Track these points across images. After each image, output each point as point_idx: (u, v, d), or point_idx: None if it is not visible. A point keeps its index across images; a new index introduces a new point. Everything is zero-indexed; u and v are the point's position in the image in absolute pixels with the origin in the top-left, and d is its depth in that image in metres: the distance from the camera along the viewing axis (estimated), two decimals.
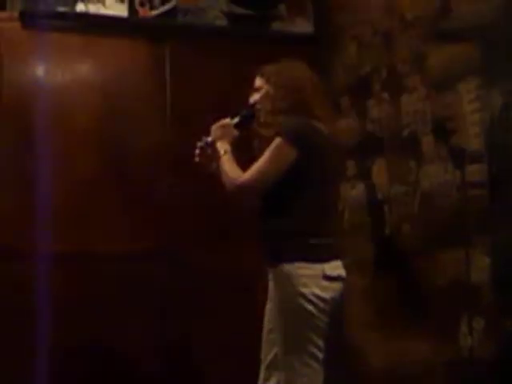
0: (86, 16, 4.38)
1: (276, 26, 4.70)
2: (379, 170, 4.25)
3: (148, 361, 4.23)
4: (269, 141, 2.99)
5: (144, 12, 4.51)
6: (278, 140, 2.92)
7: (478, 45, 3.59)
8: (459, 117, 3.66)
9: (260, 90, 3.17)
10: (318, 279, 2.87)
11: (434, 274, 3.83)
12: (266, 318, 3.12)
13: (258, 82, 3.20)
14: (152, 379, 4.23)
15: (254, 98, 3.18)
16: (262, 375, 3.09)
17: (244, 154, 3.11)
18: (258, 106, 3.15)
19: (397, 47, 4.12)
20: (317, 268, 2.87)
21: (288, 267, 2.87)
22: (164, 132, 4.41)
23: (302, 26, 4.70)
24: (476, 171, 3.56)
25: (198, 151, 3.19)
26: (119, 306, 4.19)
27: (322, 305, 2.87)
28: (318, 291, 2.86)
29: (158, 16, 4.54)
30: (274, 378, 3.01)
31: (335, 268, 2.96)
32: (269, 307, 3.09)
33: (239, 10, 4.63)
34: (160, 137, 4.40)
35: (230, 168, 3.03)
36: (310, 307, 2.84)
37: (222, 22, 4.60)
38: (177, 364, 4.28)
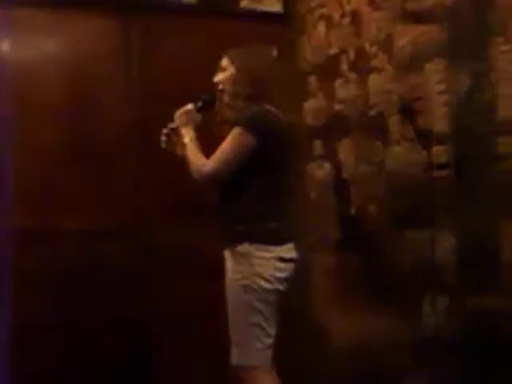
0: None
1: (245, 4, 4.70)
2: (346, 150, 4.27)
3: (109, 338, 4.24)
4: (228, 122, 3.11)
5: None
6: (237, 129, 3.01)
7: (446, 26, 3.61)
8: (426, 98, 3.68)
9: (225, 70, 3.22)
10: (275, 261, 3.01)
11: (398, 254, 3.87)
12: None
13: (224, 62, 3.27)
14: (113, 357, 4.24)
15: (219, 77, 3.24)
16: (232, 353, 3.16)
17: (209, 135, 3.16)
18: (220, 86, 3.22)
19: (365, 28, 4.13)
20: (274, 250, 3.01)
21: (247, 248, 3.00)
22: (131, 109, 4.40)
23: (272, 5, 4.70)
24: (442, 152, 3.59)
25: (163, 137, 3.27)
26: (81, 283, 4.19)
27: (277, 284, 3.02)
28: (274, 272, 3.00)
29: None
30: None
31: (289, 251, 3.09)
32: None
33: None
34: (127, 114, 4.39)
35: (194, 156, 3.12)
36: (267, 285, 2.98)
37: None
38: (138, 342, 4.29)
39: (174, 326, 4.33)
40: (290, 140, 3.17)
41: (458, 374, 3.56)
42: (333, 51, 4.38)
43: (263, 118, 3.04)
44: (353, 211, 4.21)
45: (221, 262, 4.30)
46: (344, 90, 4.29)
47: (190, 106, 3.28)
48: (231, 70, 3.20)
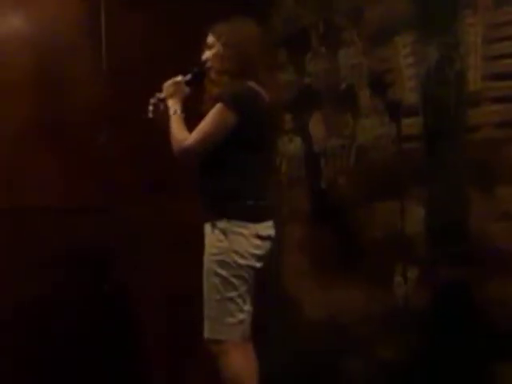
0: None
1: None
2: (316, 124, 4.29)
3: (85, 314, 4.23)
4: (212, 99, 3.07)
5: None
6: (218, 105, 2.99)
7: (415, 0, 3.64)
8: (395, 70, 3.71)
9: (211, 47, 3.19)
10: (252, 238, 3.01)
11: (369, 226, 3.92)
12: None
13: (210, 39, 3.21)
14: (89, 332, 4.23)
15: (206, 55, 3.22)
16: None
17: (195, 110, 3.13)
18: (208, 64, 3.19)
19: (334, 1, 4.14)
20: (251, 228, 3.01)
21: (225, 224, 3.00)
22: (100, 86, 4.35)
23: None
24: (412, 124, 3.63)
25: (150, 107, 3.23)
26: (54, 260, 4.17)
27: (252, 261, 3.02)
28: (250, 249, 3.01)
29: None
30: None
31: (267, 228, 3.09)
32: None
33: None
34: (96, 90, 4.34)
35: (176, 130, 3.10)
36: (242, 261, 2.99)
37: None
38: (113, 316, 4.29)
39: (145, 300, 4.34)
40: (271, 118, 3.14)
41: (427, 343, 3.62)
42: (302, 24, 4.38)
43: (245, 95, 3.02)
44: (323, 184, 4.24)
45: (197, 233, 4.36)
46: (314, 63, 4.30)
47: (179, 78, 3.22)
48: (218, 47, 3.15)
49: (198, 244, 4.32)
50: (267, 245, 3.10)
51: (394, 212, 3.71)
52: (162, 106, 3.20)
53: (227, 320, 2.99)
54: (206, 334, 3.05)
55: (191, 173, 4.25)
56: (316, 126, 4.29)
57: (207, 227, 3.09)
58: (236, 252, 2.99)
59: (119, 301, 4.30)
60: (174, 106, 3.16)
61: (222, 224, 3.00)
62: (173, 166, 4.30)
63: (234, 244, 2.99)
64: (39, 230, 4.16)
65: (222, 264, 2.99)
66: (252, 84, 3.06)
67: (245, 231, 3.00)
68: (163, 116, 3.19)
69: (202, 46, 3.23)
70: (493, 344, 3.34)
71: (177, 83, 3.20)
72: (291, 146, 4.47)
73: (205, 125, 3.02)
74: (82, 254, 4.23)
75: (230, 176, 3.04)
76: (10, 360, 4.05)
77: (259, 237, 3.04)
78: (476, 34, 3.33)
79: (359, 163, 4.01)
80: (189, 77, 3.22)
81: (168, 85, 3.21)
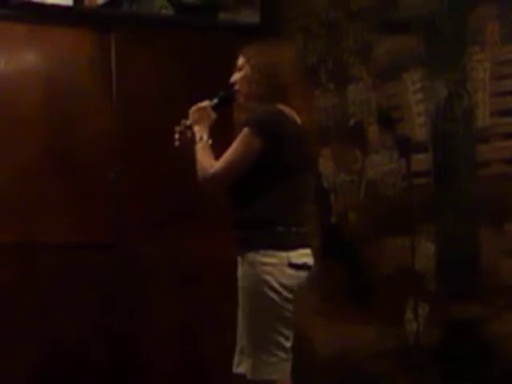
0: (30, 4, 4.32)
1: (223, 16, 4.69)
2: (325, 159, 4.29)
3: (93, 352, 4.22)
4: (238, 125, 2.93)
5: (89, 1, 4.47)
6: (244, 130, 2.85)
7: (423, 36, 3.66)
8: (404, 107, 3.72)
9: (241, 69, 3.05)
10: (283, 267, 2.81)
11: (379, 262, 3.90)
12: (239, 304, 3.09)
13: (240, 61, 3.06)
14: (98, 366, 4.22)
15: (234, 77, 3.06)
16: (235, 360, 3.00)
17: (223, 137, 2.97)
18: (236, 87, 3.05)
19: (343, 38, 4.17)
20: (282, 256, 2.82)
21: (253, 255, 2.82)
22: (110, 122, 4.38)
23: (249, 16, 4.70)
24: (421, 160, 3.63)
25: (177, 135, 3.11)
26: (63, 296, 4.16)
27: (286, 293, 2.82)
28: (283, 279, 2.81)
29: (104, 5, 4.50)
30: (243, 364, 2.98)
31: (301, 256, 2.89)
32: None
33: (186, 0, 4.62)
34: (106, 126, 4.37)
35: (202, 157, 2.94)
36: (274, 296, 2.80)
37: (169, 11, 4.58)
38: (124, 355, 4.27)
39: (152, 337, 4.32)
40: (303, 141, 2.95)
41: (439, 380, 3.59)
42: (310, 62, 4.40)
43: (271, 120, 2.87)
44: (333, 219, 4.24)
45: (205, 269, 4.36)
46: (322, 99, 4.31)
47: (205, 103, 3.05)
48: (246, 69, 3.01)
49: (207, 281, 4.35)
50: (302, 274, 2.89)
51: (404, 248, 3.70)
52: (188, 134, 3.09)
53: (269, 359, 2.81)
54: (248, 374, 2.86)
55: (201, 209, 4.29)
56: (325, 161, 4.29)
57: (239, 259, 2.91)
58: (267, 284, 2.79)
59: (127, 337, 4.28)
60: (199, 133, 2.99)
61: (251, 256, 2.83)
62: (182, 202, 4.34)
63: (263, 275, 2.79)
64: (47, 265, 4.17)
65: (256, 301, 2.81)
66: (282, 108, 2.92)
67: (274, 260, 2.81)
68: (190, 144, 3.03)
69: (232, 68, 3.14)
70: (505, 381, 3.31)
71: (203, 108, 3.04)
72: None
73: (230, 151, 2.87)
74: (90, 290, 4.23)
75: (258, 204, 2.87)
76: None
77: (292, 265, 2.84)
78: (484, 70, 3.34)
79: (369, 199, 4.01)
80: (215, 101, 3.05)
81: (194, 110, 3.05)
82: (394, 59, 3.81)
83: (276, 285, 2.80)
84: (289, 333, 2.87)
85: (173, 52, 4.51)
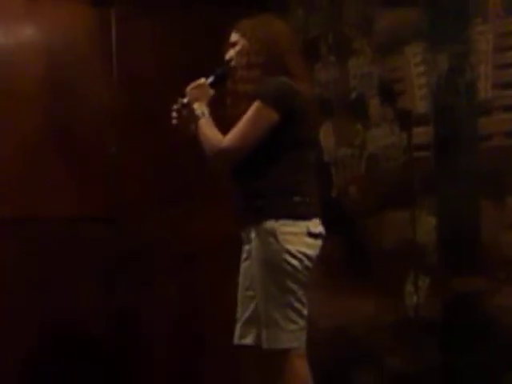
0: None
1: None
2: (326, 133, 4.28)
3: (95, 324, 4.23)
4: (245, 97, 2.93)
5: None
6: (257, 103, 2.85)
7: (425, 8, 3.64)
8: (406, 80, 3.71)
9: (235, 45, 3.07)
10: (303, 236, 2.86)
11: (380, 235, 3.91)
12: (243, 276, 3.07)
13: (234, 37, 3.09)
14: (99, 342, 4.23)
15: (230, 53, 3.08)
16: (237, 332, 3.04)
17: (217, 112, 3.02)
18: (232, 63, 3.06)
19: (344, 11, 4.15)
20: (301, 225, 2.86)
21: (273, 224, 2.84)
22: (111, 95, 4.37)
23: None
24: (422, 133, 3.62)
25: (174, 114, 3.10)
26: (64, 270, 4.17)
27: (306, 261, 2.87)
28: (303, 248, 2.86)
29: None
30: (251, 335, 2.98)
31: (317, 225, 2.95)
32: (246, 265, 3.04)
33: None
34: (107, 100, 4.36)
35: (209, 132, 2.95)
36: (296, 262, 2.83)
37: None
38: (124, 329, 4.28)
39: (153, 312, 4.34)
40: (310, 112, 2.98)
41: (439, 353, 3.60)
42: (312, 35, 4.39)
43: (284, 91, 2.87)
44: (334, 193, 4.24)
45: (205, 245, 4.35)
46: (324, 73, 4.30)
47: (202, 80, 3.07)
48: (242, 43, 3.02)
49: (208, 257, 4.35)
50: (319, 243, 2.95)
51: (405, 221, 3.70)
52: (185, 112, 3.10)
53: (289, 327, 2.84)
54: (265, 344, 2.88)
55: (203, 185, 4.28)
56: (326, 135, 4.28)
57: (252, 232, 2.93)
58: (289, 253, 2.82)
59: (127, 312, 4.30)
60: (200, 109, 3.01)
61: (269, 225, 2.84)
62: (184, 176, 4.34)
63: (285, 244, 2.82)
64: (48, 239, 4.17)
65: (277, 268, 2.83)
66: (287, 79, 2.92)
67: (295, 229, 2.85)
68: (188, 122, 3.06)
69: (224, 46, 3.15)
70: (505, 353, 3.33)
71: (200, 86, 3.05)
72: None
73: (243, 124, 2.87)
74: (91, 265, 4.24)
75: (273, 174, 2.89)
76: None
77: (311, 234, 2.89)
78: (486, 42, 3.33)
79: (370, 172, 4.00)
80: (212, 78, 3.08)
81: (191, 88, 3.06)
82: (396, 32, 3.79)
83: (297, 253, 2.84)
84: (305, 300, 2.90)
85: (174, 26, 4.49)
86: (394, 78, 3.79)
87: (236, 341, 3.05)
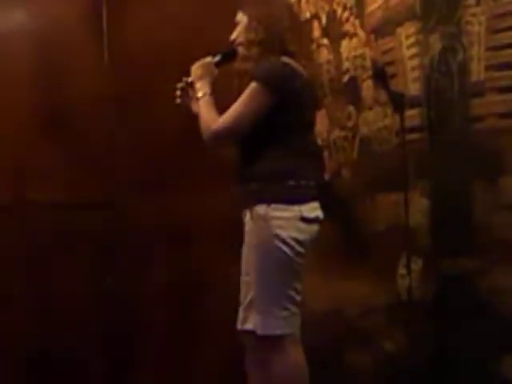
0: None
1: None
2: (319, 116, 4.26)
3: (91, 312, 4.23)
4: (246, 75, 2.92)
5: None
6: (253, 84, 2.84)
7: None
8: (398, 62, 3.70)
9: (239, 24, 3.09)
10: (295, 221, 2.85)
11: (373, 218, 3.91)
12: (243, 260, 3.07)
13: (239, 15, 3.10)
14: (89, 327, 4.24)
15: (234, 33, 3.09)
16: (240, 316, 3.06)
17: (226, 93, 3.00)
18: (237, 42, 3.06)
19: None
20: (294, 210, 2.85)
21: (263, 209, 2.84)
22: (102, 78, 4.37)
23: None
24: (415, 115, 3.61)
25: (178, 93, 3.07)
26: (58, 256, 4.17)
27: (298, 247, 2.87)
28: (295, 234, 2.85)
29: None
30: (251, 320, 2.98)
31: (312, 209, 2.94)
32: (244, 249, 3.05)
33: None
34: (98, 85, 4.36)
35: (206, 112, 2.93)
36: (286, 249, 2.82)
37: None
38: (122, 314, 4.29)
39: (150, 297, 4.34)
40: (310, 94, 2.99)
41: (432, 335, 3.61)
42: (304, 17, 4.37)
43: (281, 73, 2.86)
44: (327, 176, 4.23)
45: (195, 229, 4.34)
46: (316, 55, 4.29)
47: (208, 59, 3.07)
48: (244, 20, 3.03)
49: (207, 239, 4.35)
50: (314, 228, 2.94)
51: (397, 204, 3.69)
52: (190, 92, 3.06)
53: (281, 314, 2.85)
54: (260, 331, 2.88)
55: (196, 167, 4.27)
56: (319, 118, 4.27)
57: (247, 216, 2.94)
58: (278, 238, 2.82)
59: (124, 296, 4.30)
60: (202, 89, 2.98)
61: (261, 209, 2.85)
62: (178, 159, 4.32)
63: (275, 230, 2.81)
64: (42, 225, 4.17)
65: (267, 254, 2.83)
66: (287, 59, 2.90)
67: (287, 214, 2.84)
68: (191, 101, 3.04)
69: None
70: (498, 335, 3.33)
71: (206, 65, 3.04)
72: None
73: (238, 105, 2.86)
74: (85, 249, 4.24)
75: (267, 158, 2.88)
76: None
77: (304, 219, 2.88)
78: (479, 24, 3.31)
79: (362, 155, 4.00)
80: (218, 57, 3.07)
81: (196, 67, 3.04)
82: (388, 14, 3.77)
83: (289, 239, 2.83)
84: (300, 286, 2.91)
85: (166, 9, 4.47)
86: (386, 60, 3.78)
87: (239, 326, 3.04)
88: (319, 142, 4.28)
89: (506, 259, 3.27)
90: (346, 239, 4.12)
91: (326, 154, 4.24)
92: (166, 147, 4.33)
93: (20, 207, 4.14)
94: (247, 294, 3.01)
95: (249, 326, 2.98)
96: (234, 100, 2.93)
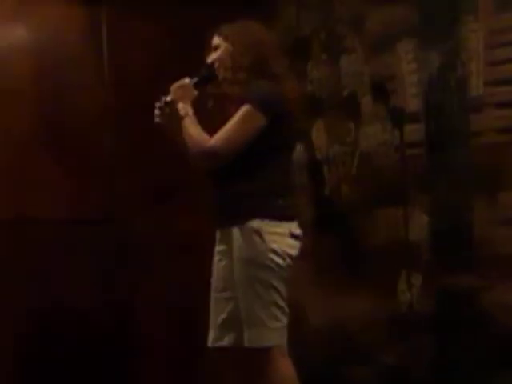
0: None
1: None
2: (318, 131, 4.29)
3: (91, 323, 4.23)
4: (232, 99, 2.97)
5: None
6: (246, 107, 2.89)
7: (416, 6, 3.64)
8: (398, 77, 3.71)
9: (217, 48, 3.10)
10: (286, 237, 2.92)
11: (373, 233, 3.91)
12: (218, 277, 3.10)
13: (216, 40, 3.11)
14: (89, 341, 4.23)
15: (212, 56, 3.10)
16: (212, 335, 3.05)
17: (199, 114, 3.03)
18: (216, 65, 3.08)
19: (335, 9, 4.15)
20: (285, 227, 2.92)
21: (258, 223, 2.89)
22: (102, 95, 4.37)
23: None
24: (414, 131, 3.63)
25: (157, 112, 3.11)
26: (58, 271, 4.17)
27: (288, 260, 2.92)
28: (286, 249, 2.91)
29: None
30: (227, 338, 2.99)
31: (297, 227, 2.99)
32: (220, 266, 3.07)
33: None
34: (97, 100, 4.35)
35: (195, 131, 2.98)
36: (280, 261, 2.88)
37: None
38: (124, 324, 4.28)
39: (152, 311, 4.34)
40: (295, 114, 3.02)
41: (432, 349, 3.61)
42: (303, 32, 4.39)
43: (272, 95, 2.92)
44: (327, 191, 4.24)
45: (195, 244, 4.34)
46: (316, 71, 4.30)
47: (186, 80, 3.08)
48: (226, 46, 3.05)
49: (204, 253, 4.34)
50: (298, 244, 2.98)
51: (397, 219, 3.71)
52: (167, 110, 3.11)
53: (274, 325, 2.87)
54: (250, 343, 2.89)
55: (195, 182, 4.28)
56: (318, 133, 4.29)
57: (235, 232, 2.95)
58: (274, 252, 2.87)
59: (125, 311, 4.30)
60: (185, 109, 3.02)
61: (255, 224, 2.89)
62: (176, 175, 4.33)
63: (271, 244, 2.87)
64: (42, 240, 4.16)
65: (262, 267, 2.87)
66: (273, 83, 2.96)
67: (280, 230, 2.90)
68: (170, 120, 3.12)
69: (205, 49, 3.17)
70: (497, 350, 3.34)
71: (185, 85, 3.07)
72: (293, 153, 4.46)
73: (231, 126, 2.92)
74: (85, 264, 4.24)
75: (260, 176, 2.95)
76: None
77: (293, 236, 2.94)
78: (477, 39, 3.34)
79: (362, 170, 4.01)
80: (196, 79, 3.12)
81: (176, 87, 3.07)
82: (387, 30, 3.79)
83: (282, 253, 2.89)
84: (286, 299, 2.93)
85: (165, 25, 4.48)
86: (385, 75, 3.80)
87: (210, 344, 3.06)
88: (319, 156, 4.30)
89: (506, 274, 3.28)
90: (346, 254, 4.12)
91: (325, 168, 4.25)
92: (166, 162, 4.33)
93: (20, 222, 4.14)
94: (223, 310, 3.03)
95: (224, 343, 3.01)
96: (209, 120, 3.02)
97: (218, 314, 3.03)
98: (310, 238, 4.35)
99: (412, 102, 3.64)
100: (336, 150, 4.18)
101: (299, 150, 4.42)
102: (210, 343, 3.05)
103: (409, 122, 3.64)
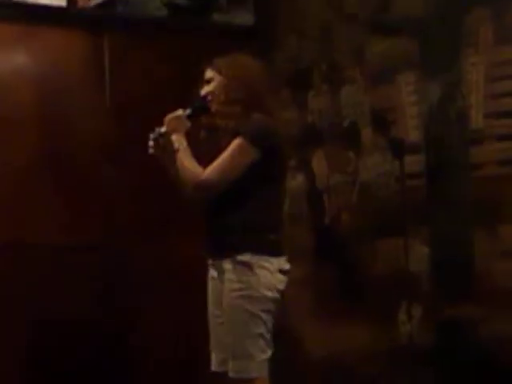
0: (22, 5, 4.31)
1: (216, 17, 4.70)
2: (319, 161, 4.30)
3: (83, 353, 4.21)
4: (225, 132, 3.01)
5: (83, 2, 4.46)
6: (239, 140, 2.94)
7: (416, 38, 3.67)
8: (398, 109, 3.73)
9: (211, 81, 3.17)
10: (276, 273, 2.96)
11: (373, 263, 3.91)
12: (211, 301, 3.12)
13: (209, 73, 3.15)
14: (89, 366, 4.22)
15: (206, 89, 3.14)
16: (217, 359, 3.09)
17: (191, 145, 3.08)
18: (209, 98, 3.13)
19: (336, 40, 4.17)
20: (275, 262, 2.96)
21: (249, 258, 2.92)
22: (103, 122, 4.38)
23: (243, 18, 4.70)
24: (414, 162, 3.64)
25: (151, 143, 3.15)
26: (57, 297, 4.16)
27: (277, 295, 2.96)
28: (276, 283, 2.95)
29: (97, 6, 4.49)
30: (230, 366, 3.03)
31: (285, 262, 3.03)
32: (216, 292, 3.07)
33: (180, 1, 4.61)
34: (98, 128, 4.37)
35: (189, 164, 3.02)
36: (270, 294, 2.92)
37: (163, 12, 4.58)
38: (117, 352, 4.27)
39: (151, 338, 4.33)
40: (283, 149, 3.07)
41: (433, 381, 3.60)
42: (304, 63, 4.41)
43: (265, 129, 2.99)
44: (327, 221, 4.25)
45: (199, 270, 4.34)
46: (316, 101, 4.32)
47: (180, 112, 3.12)
48: (219, 79, 3.09)
49: (200, 281, 4.34)
50: (286, 279, 3.02)
51: (397, 249, 3.70)
52: (161, 141, 3.14)
53: (259, 357, 2.90)
54: (234, 374, 2.93)
55: (193, 210, 4.28)
56: (319, 162, 4.30)
57: (226, 263, 2.99)
58: (264, 286, 2.91)
59: (125, 337, 4.29)
60: (179, 141, 3.07)
61: (246, 257, 2.92)
62: (175, 203, 4.33)
63: (261, 278, 2.91)
64: (41, 266, 4.16)
65: (250, 299, 2.91)
66: (266, 116, 3.02)
67: (270, 266, 2.93)
68: (164, 151, 3.16)
69: (198, 82, 3.20)
70: (497, 382, 3.32)
71: (179, 117, 3.11)
72: (294, 182, 4.47)
73: (224, 159, 2.96)
74: (85, 291, 4.23)
75: (252, 209, 2.98)
76: None
77: (281, 271, 2.97)
78: (478, 72, 3.35)
79: (362, 200, 4.02)
80: (190, 111, 3.17)
81: (170, 119, 3.11)
82: (388, 61, 3.81)
83: (272, 287, 2.93)
84: (272, 330, 2.97)
85: (167, 53, 4.51)
86: (386, 106, 3.81)
87: (215, 368, 3.09)
88: (319, 186, 4.30)
89: (506, 306, 3.28)
90: (345, 284, 4.12)
91: (325, 197, 4.26)
92: (166, 189, 4.34)
93: (19, 249, 4.14)
94: (226, 335, 3.06)
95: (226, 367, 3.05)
96: (201, 152, 3.05)
97: (221, 338, 3.05)
98: (310, 267, 4.37)
99: (412, 134, 3.65)
100: (336, 180, 4.19)
101: (300, 179, 4.44)
102: (212, 367, 3.07)
103: (409, 153, 3.64)
